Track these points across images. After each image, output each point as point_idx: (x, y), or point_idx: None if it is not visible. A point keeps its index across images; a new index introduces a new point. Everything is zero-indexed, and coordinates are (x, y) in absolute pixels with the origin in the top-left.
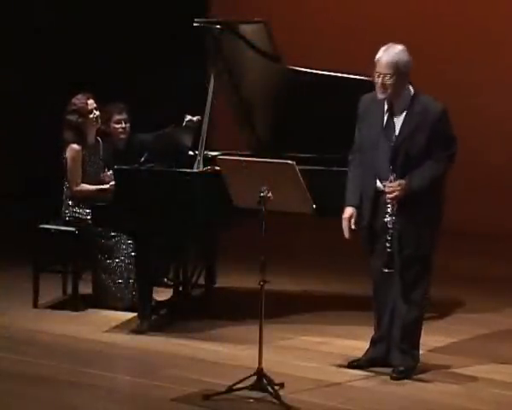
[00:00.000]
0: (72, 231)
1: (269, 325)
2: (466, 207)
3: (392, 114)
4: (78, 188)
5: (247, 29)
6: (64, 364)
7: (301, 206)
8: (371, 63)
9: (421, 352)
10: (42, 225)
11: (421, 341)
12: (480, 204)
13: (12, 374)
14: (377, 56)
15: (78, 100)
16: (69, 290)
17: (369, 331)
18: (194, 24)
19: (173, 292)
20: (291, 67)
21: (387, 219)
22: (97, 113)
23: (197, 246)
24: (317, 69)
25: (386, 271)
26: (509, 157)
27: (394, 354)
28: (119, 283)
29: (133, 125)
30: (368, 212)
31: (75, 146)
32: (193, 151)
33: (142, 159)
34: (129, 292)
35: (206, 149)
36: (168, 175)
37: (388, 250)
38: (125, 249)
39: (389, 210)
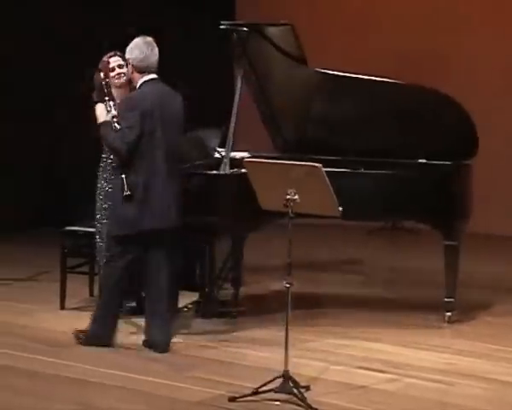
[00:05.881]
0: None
1: (293, 327)
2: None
3: None
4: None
5: (273, 31)
6: (90, 365)
7: (327, 209)
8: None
9: (445, 355)
10: (68, 227)
11: (445, 344)
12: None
13: (41, 375)
14: None
15: (104, 58)
16: (96, 291)
17: (392, 333)
18: (221, 26)
19: (200, 294)
20: (317, 68)
21: None
22: (120, 70)
23: (224, 248)
24: (341, 71)
25: None
26: None
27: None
28: None
29: None
30: None
31: (100, 105)
32: (219, 153)
33: None
34: None
35: (233, 151)
36: (196, 177)
37: None
38: None
39: None
